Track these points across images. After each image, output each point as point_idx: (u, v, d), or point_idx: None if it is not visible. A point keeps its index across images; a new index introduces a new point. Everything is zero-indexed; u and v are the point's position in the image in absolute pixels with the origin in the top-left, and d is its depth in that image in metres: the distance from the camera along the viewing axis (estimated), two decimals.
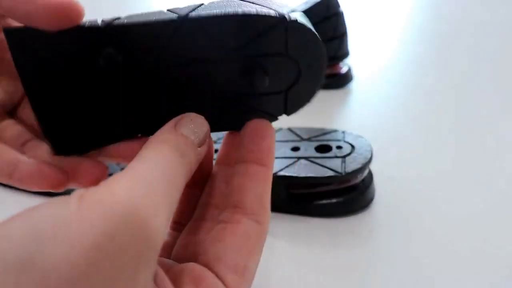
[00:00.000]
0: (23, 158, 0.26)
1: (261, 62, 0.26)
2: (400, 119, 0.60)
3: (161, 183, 0.20)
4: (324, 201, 0.43)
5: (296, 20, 0.24)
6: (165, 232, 0.20)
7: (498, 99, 0.64)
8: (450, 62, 0.75)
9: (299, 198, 0.43)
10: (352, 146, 0.44)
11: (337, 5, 0.65)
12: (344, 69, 0.68)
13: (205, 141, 0.25)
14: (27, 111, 0.29)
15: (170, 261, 0.25)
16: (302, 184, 0.43)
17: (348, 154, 0.43)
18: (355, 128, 0.44)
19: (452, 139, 0.55)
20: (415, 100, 0.64)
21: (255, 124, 0.27)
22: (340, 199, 0.43)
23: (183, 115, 0.25)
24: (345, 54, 0.67)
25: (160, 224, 0.19)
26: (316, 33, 0.25)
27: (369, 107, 0.63)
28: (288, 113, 0.28)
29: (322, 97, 0.64)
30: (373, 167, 0.45)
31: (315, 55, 0.26)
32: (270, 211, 0.26)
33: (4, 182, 0.26)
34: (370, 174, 0.45)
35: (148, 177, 0.20)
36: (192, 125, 0.25)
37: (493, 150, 0.52)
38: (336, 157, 0.43)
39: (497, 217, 0.43)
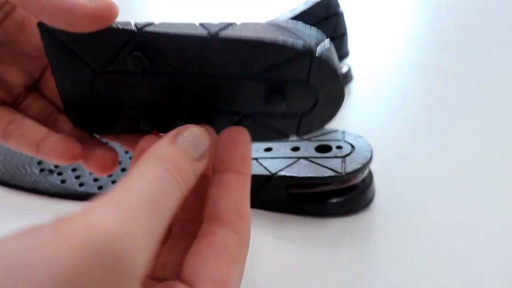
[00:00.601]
0: (48, 132, 0.30)
1: (282, 86, 0.27)
2: (401, 119, 0.60)
3: (148, 208, 0.19)
4: (324, 201, 0.43)
5: (321, 57, 0.25)
6: (146, 261, 0.19)
7: (501, 100, 0.64)
8: (452, 62, 0.75)
9: (299, 198, 0.43)
10: (352, 146, 0.44)
11: (337, 5, 0.65)
12: (344, 69, 0.68)
13: (206, 155, 0.24)
14: (48, 85, 0.32)
15: (150, 281, 0.25)
16: (302, 185, 0.43)
17: (348, 154, 0.43)
18: (355, 128, 0.44)
19: (453, 140, 0.55)
20: (415, 100, 0.64)
21: (229, 132, 0.27)
22: (340, 199, 0.43)
23: (183, 127, 0.25)
24: (345, 54, 0.67)
25: (140, 255, 0.18)
26: (338, 71, 0.26)
27: (369, 107, 0.63)
28: (300, 134, 0.29)
29: None
30: (373, 167, 0.45)
31: (334, 90, 0.27)
32: (249, 220, 0.25)
33: (32, 155, 0.30)
34: (370, 174, 0.45)
35: (134, 201, 0.19)
36: (192, 138, 0.24)
37: (494, 151, 0.52)
38: (336, 157, 0.43)
39: (497, 219, 0.43)
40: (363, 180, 0.44)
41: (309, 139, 0.45)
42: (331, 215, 0.43)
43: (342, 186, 0.43)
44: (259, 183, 0.42)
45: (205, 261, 0.23)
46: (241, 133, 0.26)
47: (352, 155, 0.43)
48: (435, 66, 0.74)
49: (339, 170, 0.41)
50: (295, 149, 0.44)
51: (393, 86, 0.68)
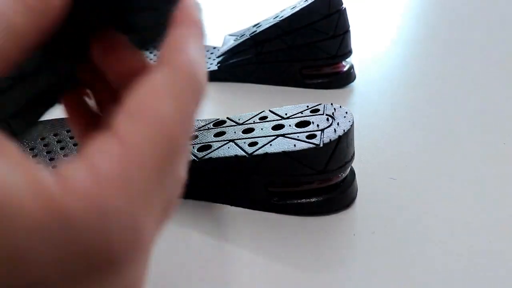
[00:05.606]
0: None
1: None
2: (402, 119, 0.58)
3: None
4: (304, 200, 0.41)
5: None
6: None
7: (503, 103, 0.61)
8: (454, 62, 0.72)
9: (278, 196, 0.42)
10: (332, 118, 0.41)
11: (340, 2, 0.63)
12: (345, 68, 0.66)
13: None
14: None
15: None
16: (281, 182, 0.41)
17: (328, 126, 0.40)
18: (357, 127, 0.42)
19: (450, 140, 0.52)
20: (418, 100, 0.62)
21: None
22: (320, 198, 0.41)
23: None
24: (347, 53, 0.65)
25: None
26: None
27: (371, 106, 0.61)
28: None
29: (322, 96, 0.63)
30: (366, 166, 0.43)
31: None
32: (192, 57, 0.21)
33: None
34: (352, 173, 0.43)
35: None
36: None
37: (483, 154, 0.50)
38: (315, 130, 0.40)
39: (483, 217, 0.41)
40: (344, 179, 0.42)
41: (292, 117, 0.43)
42: (312, 214, 0.41)
43: (323, 184, 0.41)
44: (235, 168, 0.41)
45: (125, 101, 0.19)
46: None
47: (331, 127, 0.40)
48: (439, 65, 0.71)
49: (317, 142, 0.39)
50: (277, 127, 0.42)
51: (396, 85, 0.66)
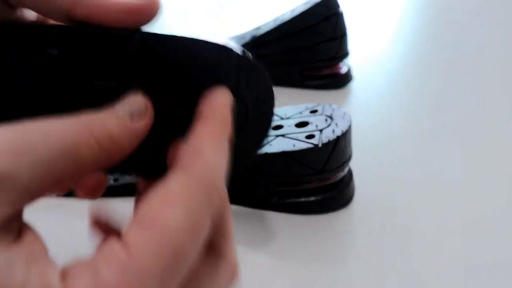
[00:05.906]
0: None
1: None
2: (398, 119, 0.59)
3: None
4: (303, 199, 0.42)
5: (245, 54, 0.22)
6: None
7: (501, 104, 0.62)
8: (450, 62, 0.73)
9: (278, 195, 0.43)
10: (331, 118, 0.43)
11: (337, 5, 0.64)
12: (343, 69, 0.67)
13: (141, 113, 0.20)
14: None
15: None
16: (281, 181, 0.42)
17: (326, 127, 0.42)
18: (354, 128, 0.43)
19: (449, 141, 0.53)
20: (414, 100, 0.63)
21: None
22: (319, 197, 0.42)
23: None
24: (345, 54, 0.66)
25: None
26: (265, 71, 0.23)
27: (368, 107, 0.62)
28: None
29: (321, 97, 0.64)
30: (364, 166, 0.44)
31: (263, 95, 0.23)
32: (209, 158, 0.20)
33: None
34: (350, 172, 0.45)
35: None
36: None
37: (477, 154, 0.51)
38: (314, 130, 0.41)
39: (481, 217, 0.42)
40: (342, 178, 0.43)
41: (292, 117, 0.44)
42: (310, 213, 0.43)
43: (322, 184, 0.42)
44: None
45: (138, 208, 0.19)
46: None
47: (330, 127, 0.42)
48: (435, 66, 0.72)
49: (316, 142, 0.40)
50: (277, 127, 0.43)
51: (393, 86, 0.67)
